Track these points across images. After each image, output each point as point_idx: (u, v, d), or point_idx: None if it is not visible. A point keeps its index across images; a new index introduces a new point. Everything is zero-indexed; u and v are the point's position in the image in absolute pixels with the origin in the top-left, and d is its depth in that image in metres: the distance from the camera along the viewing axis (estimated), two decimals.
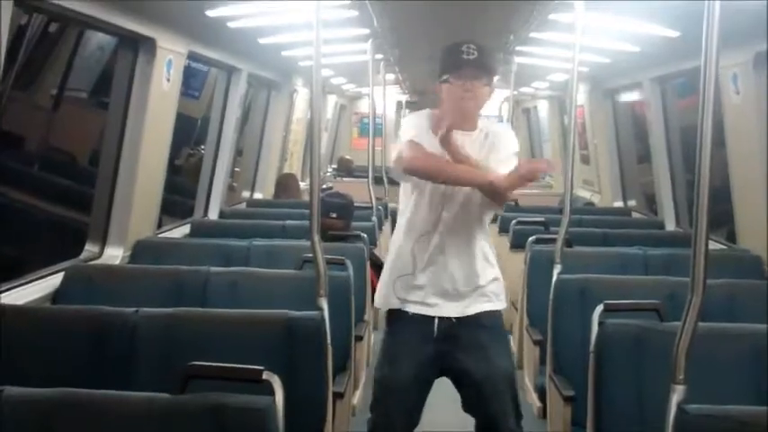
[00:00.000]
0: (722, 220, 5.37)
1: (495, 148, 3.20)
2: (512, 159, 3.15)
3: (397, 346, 3.25)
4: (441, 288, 3.20)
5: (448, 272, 3.19)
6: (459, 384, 3.29)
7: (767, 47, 4.24)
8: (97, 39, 7.56)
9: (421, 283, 3.20)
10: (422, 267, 3.20)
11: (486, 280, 3.26)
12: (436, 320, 3.19)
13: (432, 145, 3.07)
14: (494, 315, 3.28)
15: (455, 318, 3.20)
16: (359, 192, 7.05)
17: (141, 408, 2.22)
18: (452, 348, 3.20)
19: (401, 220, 3.32)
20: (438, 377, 3.28)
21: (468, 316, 3.21)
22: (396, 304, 3.26)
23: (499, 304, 3.30)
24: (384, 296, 3.31)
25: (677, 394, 2.25)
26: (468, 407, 3.31)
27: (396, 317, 3.29)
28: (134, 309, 3.06)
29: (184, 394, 2.22)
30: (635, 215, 7.60)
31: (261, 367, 2.27)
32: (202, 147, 7.95)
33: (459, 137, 3.10)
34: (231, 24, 4.90)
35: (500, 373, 3.19)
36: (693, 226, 2.22)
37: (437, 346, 3.19)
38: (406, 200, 3.29)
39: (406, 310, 3.23)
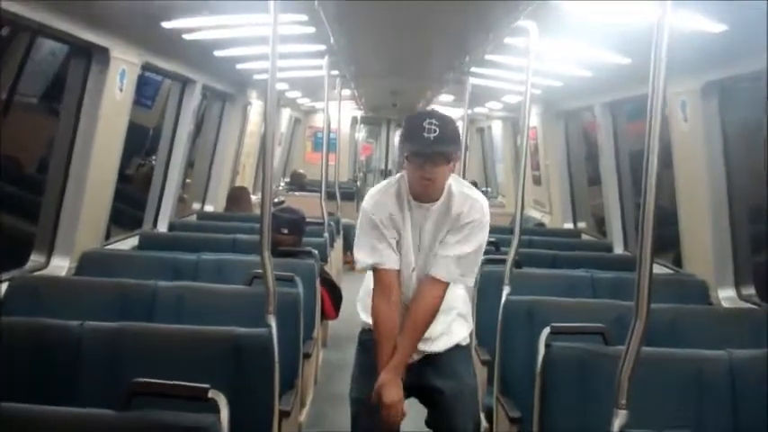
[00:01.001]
0: (670, 243, 5.45)
1: (457, 226, 3.19)
2: (475, 236, 3.20)
3: (370, 363, 3.23)
4: None
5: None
6: (428, 401, 3.36)
7: (716, 76, 4.33)
8: (49, 44, 7.44)
9: None
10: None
11: (460, 336, 3.38)
12: None
13: (396, 221, 3.16)
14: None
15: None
16: (311, 206, 7.03)
17: (84, 424, 2.19)
18: (425, 366, 3.27)
19: None
20: (409, 395, 3.28)
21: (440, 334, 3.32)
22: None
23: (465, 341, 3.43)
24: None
25: (619, 419, 2.28)
26: (433, 421, 3.38)
27: (368, 334, 3.30)
28: (79, 322, 3.01)
29: (129, 411, 2.19)
30: (584, 237, 7.68)
31: (206, 385, 2.25)
32: (154, 157, 7.87)
33: (416, 210, 3.16)
34: (187, 36, 4.87)
35: (468, 390, 3.31)
36: (638, 251, 2.25)
37: (411, 365, 3.22)
38: None
39: None
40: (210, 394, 2.24)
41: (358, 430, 3.32)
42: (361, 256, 3.18)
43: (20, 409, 2.19)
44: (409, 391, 3.24)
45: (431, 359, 3.29)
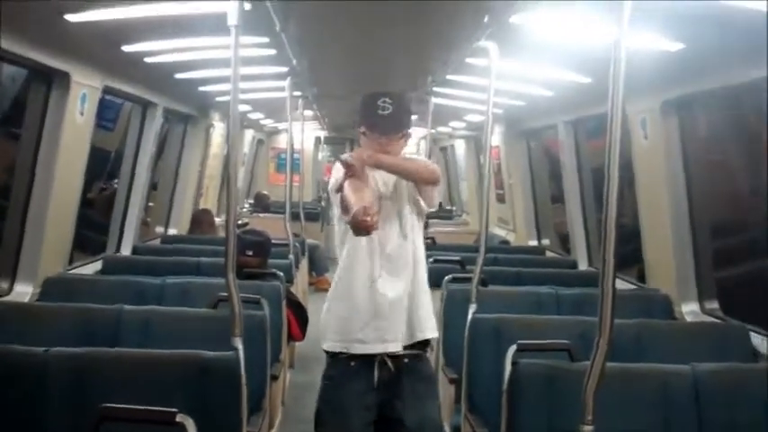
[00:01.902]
0: (633, 259, 5.51)
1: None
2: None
3: (338, 399, 3.22)
4: (383, 334, 3.21)
5: (391, 320, 3.20)
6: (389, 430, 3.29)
7: (675, 94, 4.41)
8: (8, 69, 7.37)
9: (363, 332, 3.20)
10: (366, 319, 3.19)
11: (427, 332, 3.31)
12: (376, 370, 3.19)
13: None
14: (425, 361, 3.32)
15: (392, 365, 3.21)
16: (276, 227, 7.02)
17: None
18: (391, 397, 3.21)
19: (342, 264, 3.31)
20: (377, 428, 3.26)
21: (405, 363, 3.22)
22: (338, 348, 3.24)
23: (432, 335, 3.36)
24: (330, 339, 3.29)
25: None
26: None
27: (337, 363, 3.26)
28: (44, 348, 2.98)
29: None
30: (549, 254, 7.74)
31: (174, 410, 2.24)
32: (116, 180, 7.81)
33: (378, 176, 3.21)
34: (148, 59, 4.86)
35: (430, 423, 3.24)
36: (600, 270, 2.28)
37: (378, 394, 3.20)
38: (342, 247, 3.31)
39: (350, 353, 3.22)
40: (179, 418, 2.23)
41: None
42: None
43: None
44: (375, 425, 3.23)
45: (400, 383, 3.21)
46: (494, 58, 4.04)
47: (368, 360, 3.20)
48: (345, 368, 3.22)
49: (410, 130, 3.30)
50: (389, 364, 3.20)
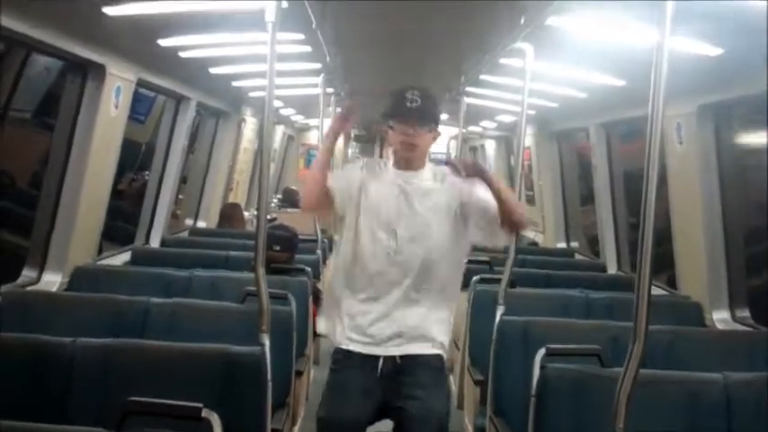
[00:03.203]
0: (663, 265, 5.45)
1: (467, 185, 3.19)
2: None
3: (342, 385, 3.19)
4: (389, 333, 3.17)
5: (400, 319, 3.17)
6: (396, 422, 3.23)
7: (711, 100, 4.35)
8: (43, 59, 7.43)
9: (370, 328, 3.17)
10: (375, 318, 3.17)
11: (439, 340, 3.26)
12: (381, 360, 3.15)
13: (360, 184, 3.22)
14: (436, 357, 3.25)
15: (399, 357, 3.17)
16: (304, 223, 7.01)
17: None
18: (394, 387, 3.15)
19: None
20: (379, 417, 3.23)
21: (411, 355, 3.17)
22: (344, 343, 3.22)
23: (442, 350, 3.28)
24: (333, 332, 3.27)
25: None
26: None
27: (341, 355, 3.24)
28: (71, 339, 2.99)
29: (122, 430, 2.17)
30: (578, 256, 7.68)
31: (200, 404, 2.23)
32: (146, 172, 7.85)
33: (406, 175, 3.21)
34: (183, 54, 4.87)
35: (434, 416, 3.13)
36: (637, 274, 2.24)
37: (381, 384, 3.15)
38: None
39: (351, 349, 3.19)
40: (204, 413, 2.22)
41: None
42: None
43: (13, 427, 2.17)
44: (379, 412, 3.19)
45: (403, 374, 3.16)
46: (529, 60, 4.01)
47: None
48: (350, 355, 3.19)
49: (439, 129, 3.27)
50: (396, 355, 3.17)
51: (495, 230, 3.16)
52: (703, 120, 4.51)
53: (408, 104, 3.16)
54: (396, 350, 3.17)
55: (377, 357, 3.16)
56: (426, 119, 3.20)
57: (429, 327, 3.21)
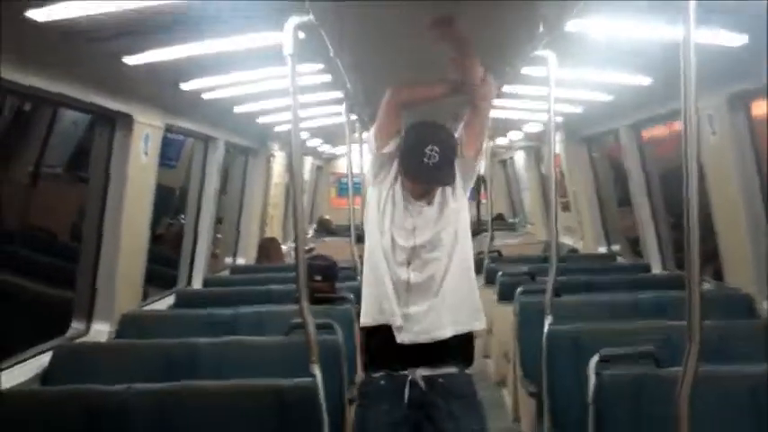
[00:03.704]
0: (708, 257, 5.38)
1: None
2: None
3: (369, 417, 3.13)
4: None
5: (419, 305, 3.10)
6: None
7: (740, 88, 4.30)
8: (71, 114, 7.56)
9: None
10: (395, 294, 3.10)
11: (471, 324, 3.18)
12: (407, 389, 3.08)
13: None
14: (464, 378, 3.18)
15: (424, 384, 3.10)
16: (341, 251, 7.03)
17: None
18: (424, 417, 3.09)
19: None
20: None
21: (438, 383, 3.10)
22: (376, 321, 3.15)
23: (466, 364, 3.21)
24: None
25: None
26: None
27: (366, 385, 3.20)
28: (125, 386, 3.01)
29: None
30: (620, 260, 7.61)
31: None
32: (182, 216, 7.92)
33: (417, 208, 3.12)
34: (206, 96, 4.93)
35: None
36: (686, 271, 2.21)
37: (409, 414, 3.08)
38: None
39: (378, 376, 3.15)
40: None
41: None
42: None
43: None
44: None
45: (432, 404, 3.07)
46: (552, 67, 3.99)
47: (398, 378, 3.10)
48: (376, 386, 3.14)
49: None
50: (421, 383, 3.08)
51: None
52: (735, 109, 4.46)
53: (426, 161, 2.97)
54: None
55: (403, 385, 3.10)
56: (445, 179, 3.06)
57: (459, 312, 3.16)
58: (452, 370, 3.13)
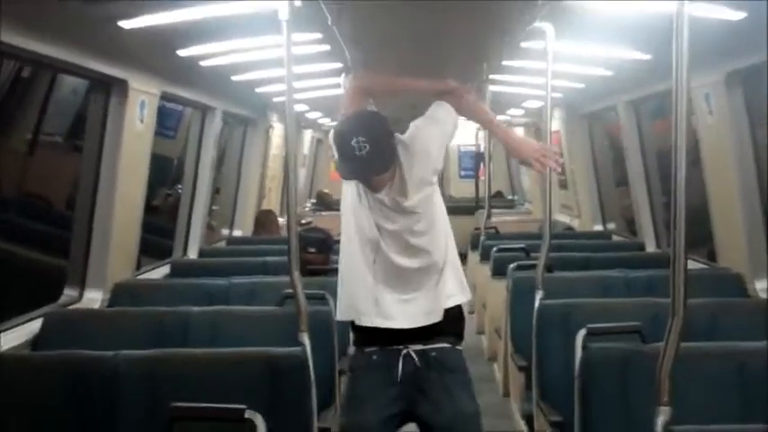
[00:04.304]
0: (703, 239, 5.38)
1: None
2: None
3: (360, 390, 3.11)
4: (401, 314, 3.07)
5: (409, 293, 3.07)
6: (423, 429, 3.16)
7: (739, 66, 4.28)
8: (70, 82, 7.54)
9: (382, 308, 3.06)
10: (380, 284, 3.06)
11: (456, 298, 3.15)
12: (400, 364, 3.07)
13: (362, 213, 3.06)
14: (455, 353, 3.16)
15: (418, 359, 3.07)
16: (338, 225, 7.00)
17: None
18: (417, 392, 3.07)
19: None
20: (403, 422, 3.15)
21: (432, 357, 3.08)
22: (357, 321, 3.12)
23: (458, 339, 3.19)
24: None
25: (662, 416, 2.25)
26: None
27: (358, 359, 3.18)
28: (114, 352, 3.02)
29: None
30: (615, 238, 7.62)
31: (242, 406, 2.24)
32: (180, 186, 7.92)
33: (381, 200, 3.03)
34: (203, 63, 4.90)
35: (465, 418, 3.07)
36: (671, 248, 2.22)
37: (401, 389, 3.07)
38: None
39: (370, 350, 3.13)
40: (247, 415, 2.23)
41: None
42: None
43: None
44: (403, 418, 3.11)
45: (424, 379, 3.06)
46: (550, 40, 3.98)
47: (392, 353, 3.08)
48: (368, 360, 3.11)
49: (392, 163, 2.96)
50: (414, 357, 3.06)
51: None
52: (732, 87, 4.44)
53: (357, 153, 2.82)
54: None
55: (396, 361, 3.08)
56: (377, 170, 2.88)
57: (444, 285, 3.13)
58: (445, 345, 3.13)
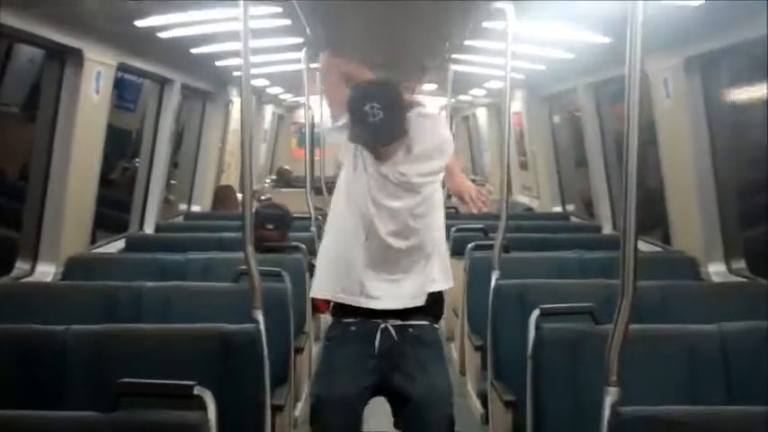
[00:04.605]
0: (657, 222, 5.44)
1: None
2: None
3: (336, 360, 3.16)
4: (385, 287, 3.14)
5: (396, 275, 3.13)
6: (395, 402, 3.20)
7: (698, 51, 4.31)
8: (27, 51, 7.38)
9: (365, 280, 3.12)
10: (368, 264, 3.11)
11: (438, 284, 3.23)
12: (378, 336, 3.12)
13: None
14: (432, 330, 3.24)
15: (395, 333, 3.13)
16: (299, 202, 6.99)
17: (71, 427, 2.17)
18: (392, 366, 3.12)
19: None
20: (374, 395, 3.20)
21: (409, 332, 3.14)
22: (340, 299, 3.17)
23: (436, 319, 3.28)
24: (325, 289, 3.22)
25: (611, 396, 2.27)
26: (402, 426, 3.21)
27: (335, 329, 3.22)
28: (64, 327, 2.98)
29: (116, 412, 2.16)
30: (573, 220, 7.67)
31: (192, 382, 2.22)
32: (136, 160, 7.81)
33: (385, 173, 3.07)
34: (162, 35, 4.82)
35: (438, 392, 3.10)
36: (622, 229, 2.23)
37: (377, 362, 3.12)
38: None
39: (348, 321, 3.17)
40: (196, 391, 2.21)
41: (319, 428, 3.15)
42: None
43: (8, 415, 2.16)
44: (375, 391, 3.15)
45: (400, 352, 3.12)
46: (510, 20, 3.96)
47: (369, 325, 3.13)
48: (345, 330, 3.16)
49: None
50: (392, 331, 3.12)
51: None
52: (691, 73, 4.47)
53: (371, 120, 2.88)
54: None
55: (373, 333, 3.13)
56: (390, 136, 2.96)
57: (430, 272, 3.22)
58: (424, 322, 3.19)
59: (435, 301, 3.25)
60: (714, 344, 3.00)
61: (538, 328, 3.08)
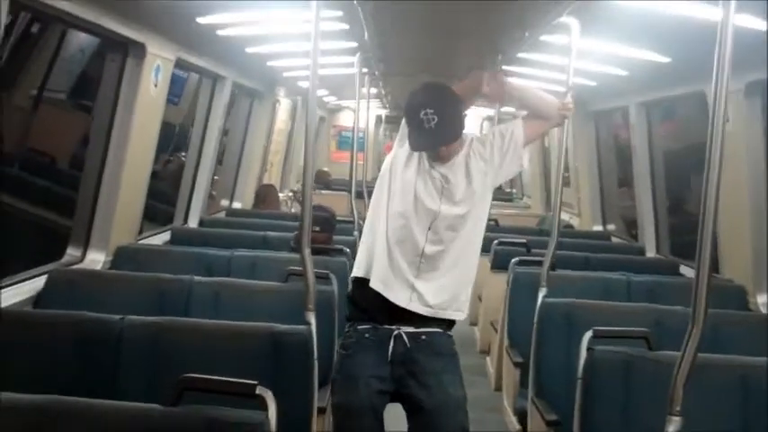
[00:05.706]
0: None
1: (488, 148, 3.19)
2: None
3: (353, 368, 3.12)
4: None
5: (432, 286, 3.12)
6: (409, 411, 3.17)
7: (761, 77, 4.26)
8: (78, 40, 7.47)
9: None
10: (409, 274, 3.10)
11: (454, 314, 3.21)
12: (391, 343, 3.09)
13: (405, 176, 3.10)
14: (446, 338, 3.20)
15: (408, 340, 3.10)
16: (337, 204, 7.01)
17: (132, 418, 2.17)
18: (406, 372, 3.10)
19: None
20: (392, 401, 3.17)
21: (422, 339, 3.12)
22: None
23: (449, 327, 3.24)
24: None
25: (673, 425, 2.25)
26: None
27: (351, 337, 3.18)
28: (120, 316, 3.01)
29: (177, 406, 2.17)
30: (615, 240, 7.62)
31: (254, 382, 2.23)
32: (181, 153, 7.88)
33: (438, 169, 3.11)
34: (221, 32, 4.86)
35: (452, 402, 3.09)
36: (697, 257, 2.22)
37: (392, 369, 3.09)
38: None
39: (363, 328, 3.15)
40: (258, 391, 2.22)
41: None
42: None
43: (71, 402, 2.17)
44: (392, 396, 3.13)
45: (414, 361, 3.09)
46: (575, 36, 3.95)
47: (383, 332, 3.11)
48: (360, 339, 3.13)
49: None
50: (405, 338, 3.09)
51: (517, 148, 3.23)
52: (751, 97, 4.42)
53: (426, 126, 2.94)
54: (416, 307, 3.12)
55: (387, 341, 3.11)
56: (445, 139, 3.01)
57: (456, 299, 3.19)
58: (436, 329, 3.16)
59: None
60: (764, 377, 2.96)
61: (590, 349, 3.05)
